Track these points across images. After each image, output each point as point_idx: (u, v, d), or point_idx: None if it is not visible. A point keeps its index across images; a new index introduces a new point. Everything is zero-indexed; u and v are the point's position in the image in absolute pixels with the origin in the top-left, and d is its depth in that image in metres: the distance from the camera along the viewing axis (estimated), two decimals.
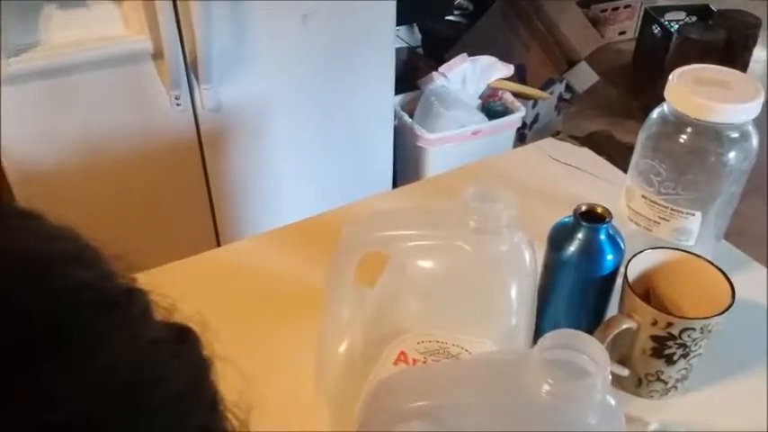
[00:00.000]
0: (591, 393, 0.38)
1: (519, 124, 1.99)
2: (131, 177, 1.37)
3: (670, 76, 0.72)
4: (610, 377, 0.39)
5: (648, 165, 0.74)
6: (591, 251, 0.64)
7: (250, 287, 0.80)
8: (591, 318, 0.67)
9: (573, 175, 0.98)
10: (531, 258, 0.53)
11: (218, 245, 1.53)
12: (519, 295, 0.52)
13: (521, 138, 2.17)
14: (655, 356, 0.63)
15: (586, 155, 1.04)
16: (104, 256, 0.27)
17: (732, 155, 0.70)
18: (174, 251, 0.85)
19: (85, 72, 1.24)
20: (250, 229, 1.56)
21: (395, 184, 1.85)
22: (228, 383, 0.32)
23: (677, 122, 0.71)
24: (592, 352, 0.39)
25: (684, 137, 0.70)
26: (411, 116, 1.89)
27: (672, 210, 0.73)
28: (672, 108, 0.71)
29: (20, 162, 1.24)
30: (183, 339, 0.27)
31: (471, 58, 1.98)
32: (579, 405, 0.38)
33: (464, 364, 0.46)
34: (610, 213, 0.64)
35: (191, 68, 1.31)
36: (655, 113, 0.74)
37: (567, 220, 0.66)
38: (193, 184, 1.45)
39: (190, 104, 1.35)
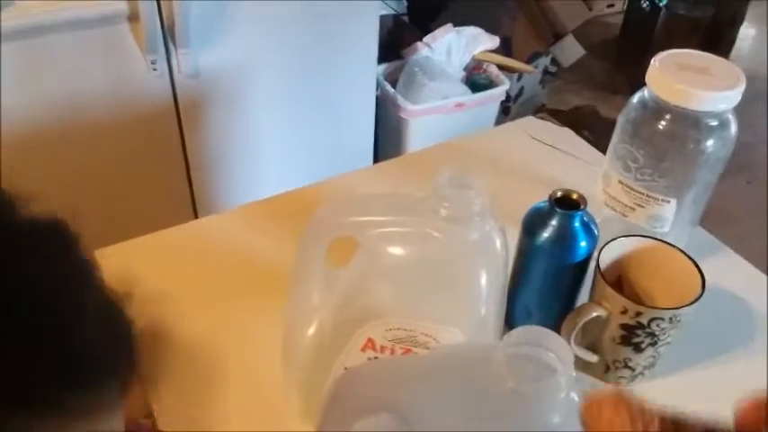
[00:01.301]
0: (555, 391, 0.38)
1: (503, 97, 1.98)
2: (106, 143, 1.34)
3: (652, 61, 0.71)
4: (574, 374, 0.39)
5: (626, 150, 0.73)
6: (564, 238, 0.63)
7: (223, 263, 0.79)
8: (562, 304, 0.67)
9: (553, 156, 0.98)
10: (503, 247, 0.53)
11: (195, 214, 1.52)
12: (489, 285, 0.52)
13: (504, 111, 2.15)
14: (623, 344, 0.63)
15: (567, 135, 1.03)
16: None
17: (710, 143, 0.69)
18: (151, 221, 0.84)
19: (59, 33, 1.20)
20: (228, 198, 1.55)
21: (376, 155, 1.84)
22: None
23: (657, 108, 0.70)
24: (558, 349, 0.39)
25: (663, 123, 0.70)
26: (394, 86, 1.87)
27: (647, 196, 0.73)
28: (652, 93, 0.70)
29: None
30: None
31: (457, 28, 1.95)
32: (543, 403, 0.38)
33: (430, 358, 0.46)
34: (585, 200, 0.64)
35: (167, 32, 1.27)
36: (635, 98, 0.74)
37: (541, 205, 0.65)
38: (170, 152, 1.43)
39: (167, 69, 1.32)
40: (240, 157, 1.52)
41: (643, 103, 0.72)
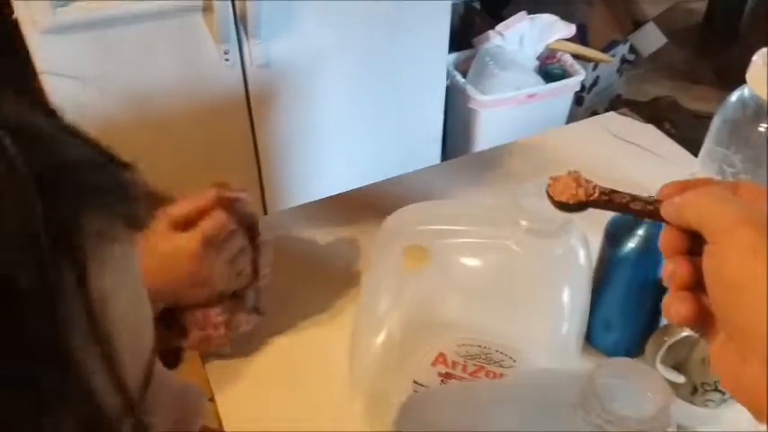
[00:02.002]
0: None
1: (578, 88, 1.90)
2: (178, 133, 1.36)
3: (754, 57, 0.65)
4: (671, 411, 0.35)
5: (722, 153, 0.68)
6: (652, 249, 0.59)
7: (289, 261, 0.78)
8: (646, 320, 0.63)
9: (636, 155, 0.92)
10: (587, 259, 0.49)
11: (264, 209, 1.52)
12: (571, 300, 0.48)
13: (578, 101, 2.08)
14: None
15: (651, 132, 0.97)
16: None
17: None
18: None
19: (134, 24, 1.21)
20: (296, 188, 1.55)
21: (444, 146, 1.80)
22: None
23: (757, 109, 0.64)
24: (653, 384, 0.36)
25: (765, 126, 0.64)
26: (464, 76, 1.82)
27: None
28: (753, 93, 0.65)
29: (65, 113, 1.24)
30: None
31: (531, 15, 1.88)
32: None
33: (509, 385, 0.43)
34: None
35: (240, 22, 1.27)
36: (733, 96, 0.68)
37: None
38: (241, 143, 1.44)
39: (239, 60, 1.32)
40: (309, 147, 1.52)
41: (742, 103, 0.66)
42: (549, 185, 0.41)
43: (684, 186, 0.37)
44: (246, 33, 1.28)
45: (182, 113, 1.34)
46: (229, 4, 1.23)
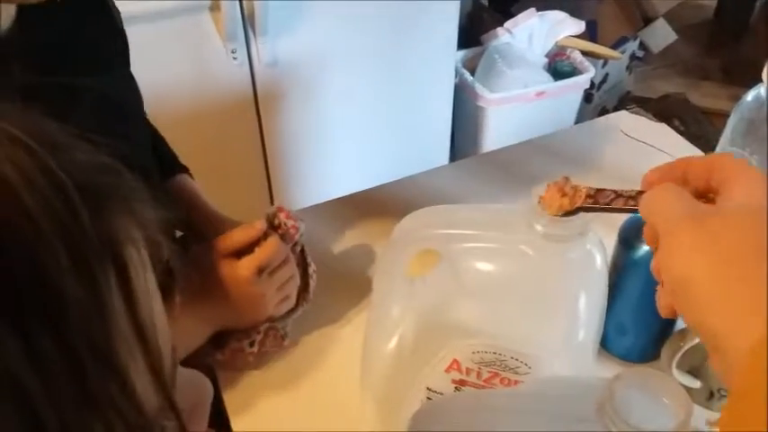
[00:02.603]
0: None
1: (587, 85, 1.89)
2: (186, 131, 1.35)
3: None
4: (690, 424, 0.35)
5: (738, 153, 0.67)
6: None
7: None
8: (661, 324, 0.62)
9: (648, 155, 0.91)
10: (603, 264, 0.49)
11: (272, 203, 1.52)
12: (587, 306, 0.48)
13: (587, 98, 2.06)
14: None
15: (662, 130, 0.96)
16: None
17: None
18: (227, 212, 0.83)
19: (142, 23, 1.21)
20: (304, 187, 1.54)
21: (452, 145, 1.79)
22: None
23: None
24: (672, 394, 0.35)
25: None
26: (472, 74, 1.81)
27: None
28: None
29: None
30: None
31: (539, 12, 1.87)
32: None
33: (523, 394, 0.43)
34: None
35: (248, 21, 1.27)
36: (749, 96, 0.67)
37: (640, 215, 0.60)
38: (249, 141, 1.43)
39: (246, 58, 1.32)
40: (317, 146, 1.51)
41: (759, 102, 0.65)
42: (540, 201, 0.42)
43: (664, 173, 0.38)
44: (254, 32, 1.28)
45: (190, 112, 1.33)
46: (237, 2, 1.22)
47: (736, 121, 0.67)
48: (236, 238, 0.64)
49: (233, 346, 0.66)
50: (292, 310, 0.69)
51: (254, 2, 1.22)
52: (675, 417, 0.33)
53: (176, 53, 1.27)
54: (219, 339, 0.66)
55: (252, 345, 0.66)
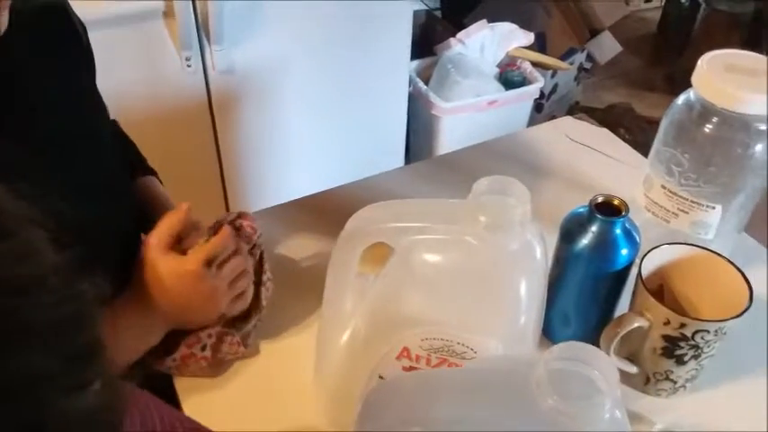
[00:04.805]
0: (600, 412, 0.36)
1: (537, 95, 1.95)
2: (140, 139, 1.34)
3: (699, 62, 0.69)
4: (620, 394, 0.37)
5: (670, 153, 0.71)
6: (605, 245, 0.62)
7: None
8: (602, 313, 0.65)
9: (590, 158, 0.95)
10: (543, 255, 0.51)
11: (227, 208, 1.52)
12: (528, 294, 0.50)
13: (538, 108, 2.12)
14: (665, 356, 0.61)
15: (605, 136, 1.01)
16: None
17: (759, 147, 0.67)
18: None
19: (95, 30, 1.19)
20: (260, 193, 1.55)
21: (407, 153, 1.82)
22: None
23: (703, 111, 0.68)
24: (603, 367, 0.38)
25: (710, 126, 0.67)
26: (426, 83, 1.85)
27: (692, 202, 0.70)
28: (698, 95, 0.68)
29: None
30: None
31: (491, 24, 1.92)
32: (586, 422, 0.37)
33: (467, 371, 0.45)
34: (627, 206, 0.62)
35: (202, 29, 1.27)
36: (680, 99, 0.71)
37: (581, 210, 0.64)
38: (203, 149, 1.43)
39: (201, 66, 1.32)
40: (272, 154, 1.52)
41: (689, 106, 0.69)
42: None
43: None
44: (209, 40, 1.28)
45: (143, 119, 1.33)
46: (191, 10, 1.23)
47: (667, 124, 0.72)
48: (163, 226, 0.62)
49: (183, 352, 0.64)
50: (246, 319, 0.68)
51: (209, 10, 1.22)
52: (605, 384, 0.36)
53: (130, 60, 1.26)
54: (170, 344, 0.65)
55: (204, 349, 0.65)
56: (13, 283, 0.23)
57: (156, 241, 0.61)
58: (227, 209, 1.52)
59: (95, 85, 0.70)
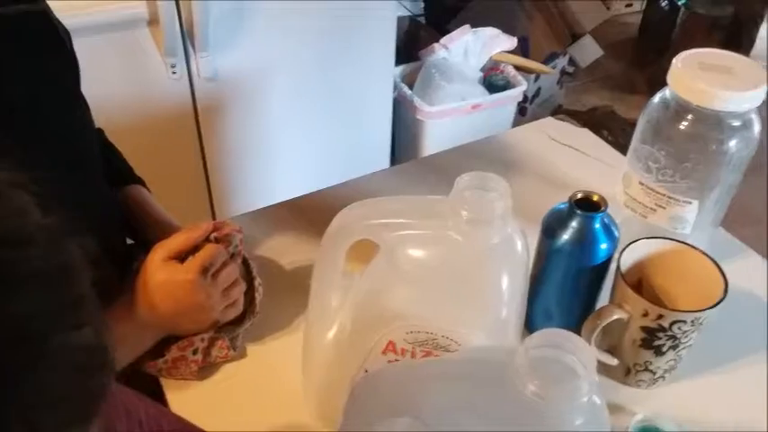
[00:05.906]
0: (578, 395, 0.38)
1: (520, 98, 1.97)
2: (125, 146, 1.34)
3: (674, 60, 0.71)
4: (597, 378, 0.39)
5: (647, 151, 0.72)
6: (585, 240, 0.63)
7: None
8: (582, 306, 0.67)
9: (572, 157, 0.97)
10: (524, 249, 0.53)
11: (213, 216, 1.53)
12: (510, 287, 0.52)
13: (521, 111, 2.15)
14: (644, 347, 0.63)
15: (587, 136, 1.03)
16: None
17: (733, 143, 0.68)
18: None
19: (79, 37, 1.20)
20: (246, 200, 1.55)
21: (393, 157, 1.84)
22: None
23: (678, 109, 0.70)
24: (580, 353, 0.39)
25: (685, 124, 0.69)
26: (411, 88, 1.87)
27: (669, 197, 0.72)
28: (674, 93, 0.70)
29: None
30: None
31: (474, 29, 1.94)
32: (565, 406, 0.38)
33: (450, 361, 0.46)
34: (605, 202, 0.63)
35: (187, 36, 1.28)
36: (656, 98, 0.73)
37: (561, 206, 0.65)
38: (189, 155, 1.44)
39: (186, 73, 1.33)
40: (258, 159, 1.53)
41: (664, 104, 0.71)
42: None
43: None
44: (194, 47, 1.29)
45: (129, 126, 1.33)
46: (176, 16, 1.24)
47: (644, 122, 0.73)
48: (178, 240, 0.64)
49: (174, 355, 0.65)
50: (240, 322, 0.69)
51: (194, 16, 1.23)
52: (582, 369, 0.37)
53: (115, 67, 1.27)
54: (162, 347, 0.66)
55: (195, 353, 0.65)
56: (2, 237, 0.25)
57: (164, 254, 0.63)
58: (213, 214, 1.53)
59: (80, 89, 0.70)
